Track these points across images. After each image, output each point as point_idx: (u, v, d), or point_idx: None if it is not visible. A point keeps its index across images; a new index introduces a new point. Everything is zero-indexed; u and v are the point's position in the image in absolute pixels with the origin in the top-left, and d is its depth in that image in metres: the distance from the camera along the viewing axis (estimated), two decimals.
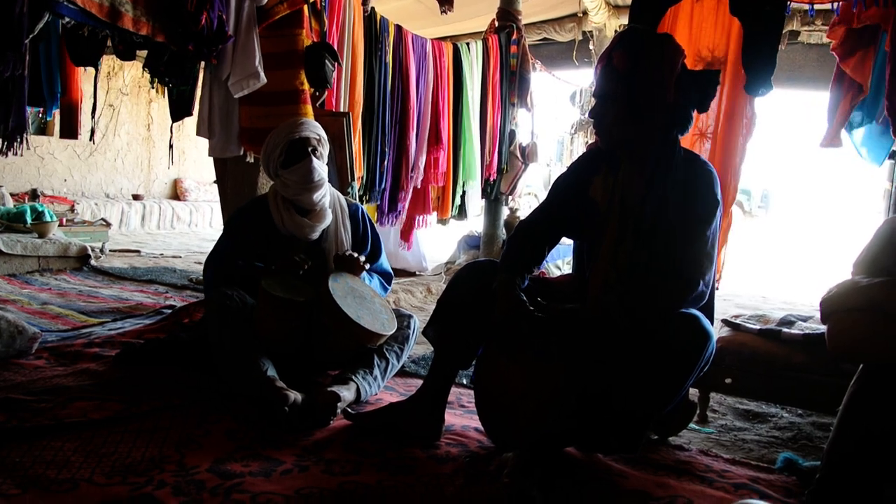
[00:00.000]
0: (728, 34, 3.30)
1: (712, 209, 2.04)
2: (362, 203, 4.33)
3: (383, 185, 4.62)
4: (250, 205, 2.92)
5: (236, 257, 2.77)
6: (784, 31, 3.28)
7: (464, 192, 5.57)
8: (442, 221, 5.73)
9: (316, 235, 2.79)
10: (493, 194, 6.08)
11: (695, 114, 2.10)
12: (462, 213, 5.66)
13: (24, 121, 2.88)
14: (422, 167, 5.02)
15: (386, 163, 4.59)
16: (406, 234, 5.66)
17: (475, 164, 5.49)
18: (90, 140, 4.47)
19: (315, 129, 2.81)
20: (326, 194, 2.81)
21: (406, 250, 5.88)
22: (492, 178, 5.90)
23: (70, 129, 4.56)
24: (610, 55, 2.03)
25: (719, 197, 2.07)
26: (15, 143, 2.92)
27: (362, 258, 2.74)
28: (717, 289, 3.34)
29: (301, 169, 2.70)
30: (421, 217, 5.47)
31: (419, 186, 5.09)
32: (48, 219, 5.70)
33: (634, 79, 1.98)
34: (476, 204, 5.73)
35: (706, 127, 3.41)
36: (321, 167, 2.75)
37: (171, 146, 4.22)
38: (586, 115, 7.41)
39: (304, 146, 2.73)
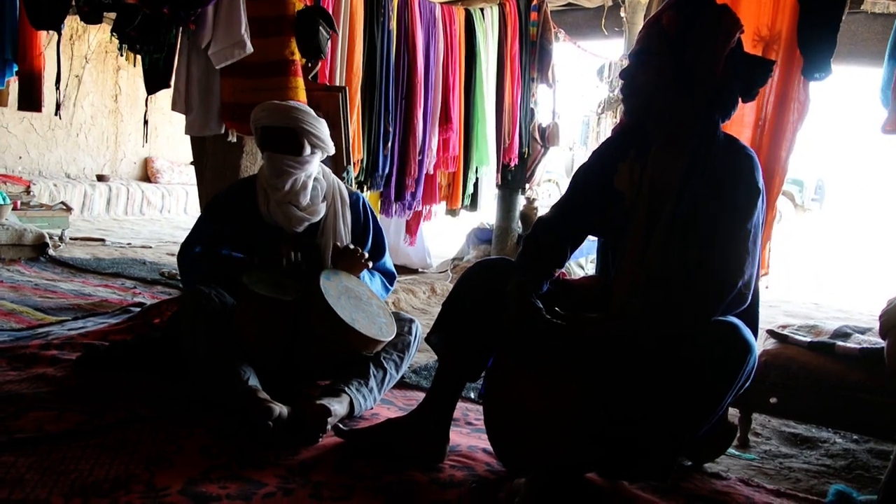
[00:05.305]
0: (785, 9, 3.29)
1: (754, 198, 2.01)
2: (361, 191, 4.33)
3: (387, 170, 4.60)
4: (236, 186, 2.94)
5: (217, 245, 2.79)
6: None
7: (476, 180, 5.53)
8: (451, 212, 5.69)
9: (302, 228, 2.80)
10: (516, 183, 6.03)
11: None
12: (474, 203, 5.63)
13: None
14: (433, 149, 4.99)
15: (390, 144, 4.57)
16: (412, 226, 5.62)
17: (489, 147, 5.44)
18: (56, 114, 4.46)
19: (290, 118, 2.73)
20: (308, 189, 2.79)
21: (409, 245, 5.85)
22: (512, 164, 5.80)
23: (31, 102, 4.58)
24: (660, 15, 2.04)
25: (761, 185, 2.05)
26: None
27: (366, 254, 2.75)
28: (766, 287, 3.34)
29: (268, 160, 2.76)
30: (429, 207, 5.40)
31: (431, 172, 5.06)
32: (0, 201, 5.73)
33: (683, 43, 1.98)
34: (490, 193, 5.67)
35: (751, 112, 3.40)
36: (290, 164, 2.72)
37: (145, 122, 4.25)
38: (615, 91, 7.38)
39: (266, 136, 2.76)
